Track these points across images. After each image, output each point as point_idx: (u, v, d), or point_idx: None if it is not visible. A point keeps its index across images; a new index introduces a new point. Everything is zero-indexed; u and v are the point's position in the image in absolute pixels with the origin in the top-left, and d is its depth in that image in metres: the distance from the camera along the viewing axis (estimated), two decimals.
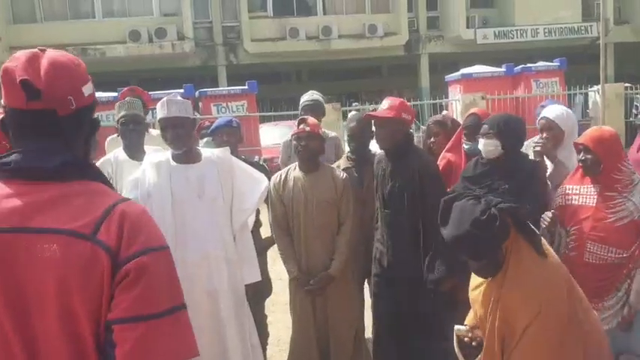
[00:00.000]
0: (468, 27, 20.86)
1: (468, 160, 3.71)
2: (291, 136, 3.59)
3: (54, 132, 1.31)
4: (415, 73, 22.49)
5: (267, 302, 4.19)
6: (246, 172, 3.33)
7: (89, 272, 1.20)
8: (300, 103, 4.65)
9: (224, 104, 12.57)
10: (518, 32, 20.62)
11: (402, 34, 21.07)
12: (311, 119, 3.53)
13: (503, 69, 13.50)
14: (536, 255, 2.10)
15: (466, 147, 3.83)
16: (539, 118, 3.72)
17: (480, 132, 3.40)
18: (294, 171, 3.53)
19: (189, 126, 3.17)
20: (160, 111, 3.11)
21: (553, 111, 3.72)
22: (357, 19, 20.98)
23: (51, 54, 1.37)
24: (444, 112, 13.69)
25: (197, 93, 12.76)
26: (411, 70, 22.80)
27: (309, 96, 4.65)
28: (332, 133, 4.57)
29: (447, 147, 4.05)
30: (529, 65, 13.61)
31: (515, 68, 13.54)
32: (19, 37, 18.73)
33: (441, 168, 3.95)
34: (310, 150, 3.45)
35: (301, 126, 3.47)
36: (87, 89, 1.37)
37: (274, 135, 11.60)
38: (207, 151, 3.29)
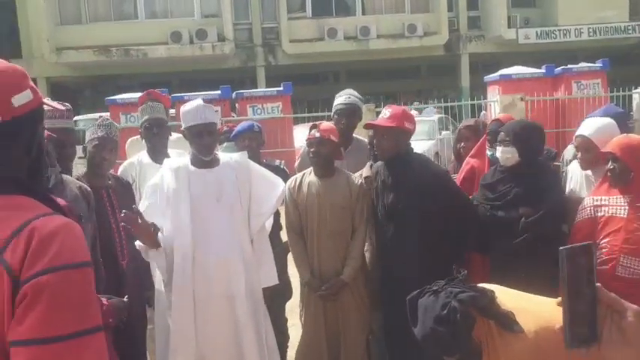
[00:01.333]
0: (509, 27, 20.54)
1: (491, 167, 3.64)
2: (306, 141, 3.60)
3: None
4: (455, 73, 22.25)
5: (288, 305, 4.22)
6: (264, 176, 3.35)
7: None
8: (334, 104, 4.11)
9: (259, 105, 12.67)
10: (562, 32, 20.17)
11: (442, 33, 20.91)
12: (324, 124, 3.49)
13: (543, 70, 13.19)
14: (513, 335, 1.99)
15: (489, 153, 3.76)
16: (575, 135, 3.44)
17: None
18: (309, 176, 3.53)
19: (217, 133, 3.24)
20: (194, 116, 3.10)
21: (590, 126, 3.36)
22: (396, 18, 20.90)
23: None
24: (482, 113, 13.57)
25: (234, 94, 12.89)
26: (451, 71, 22.56)
27: (344, 98, 4.07)
28: (362, 139, 4.23)
29: (471, 152, 3.99)
30: (570, 66, 13.27)
31: (556, 69, 13.22)
32: (65, 38, 19.33)
33: (464, 174, 3.90)
34: (321, 156, 3.42)
35: (312, 132, 3.46)
36: (20, 99, 1.27)
37: None
38: (226, 156, 3.33)
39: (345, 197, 3.41)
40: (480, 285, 2.09)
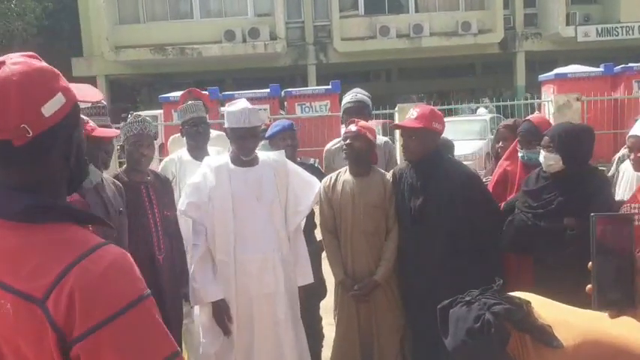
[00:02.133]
0: (568, 24, 19.88)
1: (524, 169, 3.52)
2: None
3: (13, 165, 1.10)
4: (510, 71, 21.74)
5: (322, 304, 4.21)
6: (300, 175, 3.39)
7: (41, 345, 1.02)
8: (342, 104, 4.22)
9: (308, 104, 12.76)
10: (624, 29, 19.39)
11: (497, 31, 20.44)
12: (363, 122, 3.50)
13: (601, 69, 12.74)
14: (550, 350, 1.90)
15: (520, 155, 3.62)
16: (628, 135, 3.27)
17: (534, 140, 3.23)
18: (344, 174, 3.51)
19: (258, 134, 3.29)
20: (238, 120, 3.15)
21: None
22: (449, 16, 20.55)
23: None
24: (536, 114, 13.17)
25: (282, 92, 13.00)
26: (506, 69, 22.06)
27: (351, 96, 4.14)
28: (382, 139, 4.21)
29: (505, 155, 3.88)
30: (630, 65, 12.76)
31: (615, 68, 12.74)
32: (124, 37, 19.86)
33: (496, 177, 3.78)
34: (354, 150, 3.38)
35: (350, 127, 3.46)
36: (50, 107, 1.10)
37: None
38: (263, 154, 3.37)
39: (379, 196, 3.38)
40: (516, 294, 2.00)
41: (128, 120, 3.34)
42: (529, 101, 13.36)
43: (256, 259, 3.16)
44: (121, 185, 3.09)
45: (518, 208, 3.27)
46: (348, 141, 3.41)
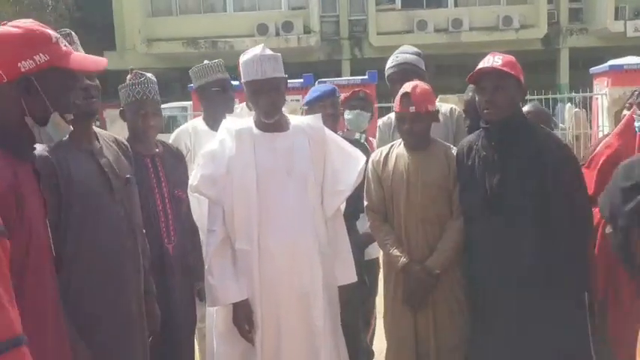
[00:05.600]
0: (616, 18, 18.92)
1: None
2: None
3: None
4: (554, 68, 20.83)
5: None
6: (341, 147, 2.73)
7: None
8: (386, 71, 3.38)
9: (343, 95, 12.13)
10: None
11: (540, 26, 19.66)
12: (420, 88, 2.77)
13: None
14: None
15: (637, 124, 2.86)
16: None
17: None
18: (397, 148, 2.84)
19: (284, 88, 2.61)
20: (250, 70, 2.52)
21: None
22: (490, 10, 19.92)
23: None
24: (575, 110, 12.32)
25: (316, 83, 12.42)
26: (549, 66, 21.13)
27: (393, 59, 3.33)
28: (447, 106, 3.45)
29: (614, 131, 3.07)
30: None
31: None
32: (156, 29, 19.92)
33: (605, 157, 2.98)
34: (415, 135, 2.74)
35: (403, 102, 2.75)
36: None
37: None
38: (296, 119, 2.74)
39: (441, 175, 2.70)
40: None
41: (127, 80, 2.73)
42: (582, 94, 12.47)
43: (286, 248, 2.51)
44: (126, 145, 2.44)
45: None
46: (406, 125, 2.74)
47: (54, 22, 19.75)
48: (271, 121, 2.58)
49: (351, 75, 19.12)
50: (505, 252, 2.50)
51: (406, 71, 3.25)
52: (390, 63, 3.39)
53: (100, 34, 21.39)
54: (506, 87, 2.54)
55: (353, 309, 3.01)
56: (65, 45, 1.71)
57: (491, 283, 2.54)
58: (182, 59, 20.40)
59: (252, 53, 2.55)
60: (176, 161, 2.83)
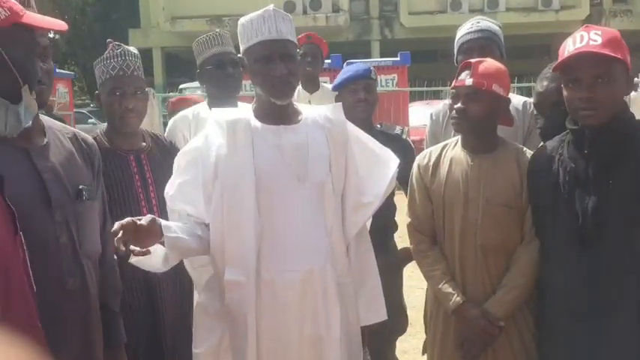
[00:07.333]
0: None
1: None
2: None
3: None
4: None
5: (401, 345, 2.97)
6: (367, 146, 2.09)
7: None
8: (457, 40, 2.68)
9: None
10: None
11: (582, 7, 19.12)
12: (489, 62, 2.10)
13: None
14: None
15: None
16: None
17: None
18: (453, 149, 2.18)
19: (297, 58, 1.98)
20: (258, 29, 1.88)
21: None
22: None
23: None
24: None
25: (345, 64, 11.81)
26: None
27: (470, 25, 2.64)
28: (521, 98, 2.79)
29: None
30: None
31: None
32: (180, 7, 19.62)
33: None
34: (469, 118, 2.08)
35: (462, 75, 2.11)
36: None
37: (426, 115, 10.27)
38: (309, 108, 2.12)
39: (512, 188, 2.05)
40: None
41: (105, 54, 2.16)
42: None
43: (294, 280, 1.90)
44: (91, 142, 1.82)
45: None
46: (459, 104, 2.09)
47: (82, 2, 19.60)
48: (284, 103, 1.94)
49: (381, 57, 18.60)
50: (603, 298, 1.85)
51: (488, 42, 2.59)
52: (465, 29, 2.68)
53: (124, 12, 21.16)
54: (612, 77, 1.84)
55: (387, 342, 2.42)
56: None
57: (582, 341, 1.90)
58: None
59: (262, 10, 1.92)
60: (168, 158, 2.19)
